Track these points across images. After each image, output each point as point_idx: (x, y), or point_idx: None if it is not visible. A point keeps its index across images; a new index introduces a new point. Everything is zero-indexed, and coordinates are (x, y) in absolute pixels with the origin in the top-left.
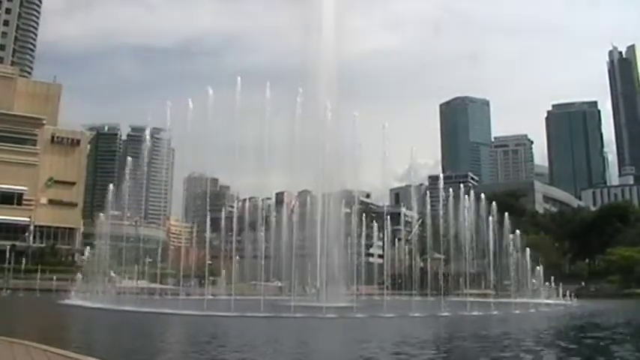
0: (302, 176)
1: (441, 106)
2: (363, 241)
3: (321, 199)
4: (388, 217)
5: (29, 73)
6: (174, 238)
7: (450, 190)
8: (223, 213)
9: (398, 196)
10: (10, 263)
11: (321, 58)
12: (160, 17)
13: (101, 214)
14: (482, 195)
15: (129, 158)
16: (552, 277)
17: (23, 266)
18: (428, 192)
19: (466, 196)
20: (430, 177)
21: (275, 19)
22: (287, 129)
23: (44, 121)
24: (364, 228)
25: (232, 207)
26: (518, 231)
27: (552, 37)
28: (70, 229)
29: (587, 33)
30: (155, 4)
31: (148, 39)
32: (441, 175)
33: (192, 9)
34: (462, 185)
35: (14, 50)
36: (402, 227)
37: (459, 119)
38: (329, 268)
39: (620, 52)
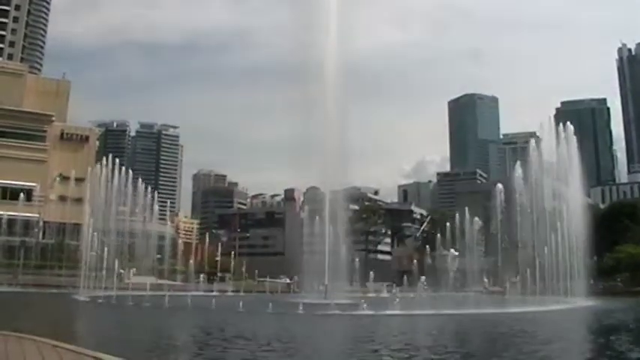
0: (310, 173)
1: (449, 103)
2: (372, 238)
3: (329, 196)
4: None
5: (39, 69)
6: (182, 234)
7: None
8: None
9: (406, 192)
10: (19, 259)
11: (327, 55)
12: (167, 14)
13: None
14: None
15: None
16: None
17: (33, 262)
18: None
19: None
20: (439, 174)
21: (280, 15)
22: (294, 126)
23: (53, 118)
24: (372, 225)
25: (242, 203)
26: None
27: (560, 33)
28: (78, 225)
29: (595, 30)
30: (162, 1)
31: (155, 36)
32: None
33: (198, 6)
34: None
35: (24, 47)
36: (410, 224)
37: (468, 116)
38: (337, 264)
39: (630, 49)
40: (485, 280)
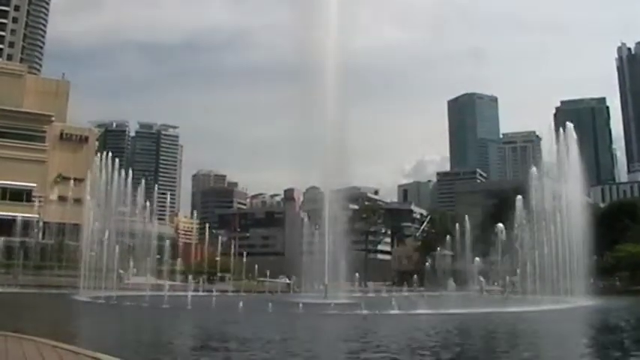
0: (310, 173)
1: (448, 102)
2: (372, 238)
3: (329, 195)
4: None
5: (38, 70)
6: (182, 234)
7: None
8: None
9: (406, 192)
10: (19, 259)
11: (326, 54)
12: (167, 14)
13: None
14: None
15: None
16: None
17: (32, 263)
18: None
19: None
20: (438, 173)
21: (280, 14)
22: (294, 126)
23: (53, 118)
24: (372, 224)
25: (242, 203)
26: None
27: (560, 33)
28: (78, 225)
29: (595, 29)
30: (162, 1)
31: (155, 36)
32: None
33: (198, 5)
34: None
35: (23, 47)
36: (410, 223)
37: (467, 116)
38: (337, 264)
39: (629, 49)
40: (482, 279)
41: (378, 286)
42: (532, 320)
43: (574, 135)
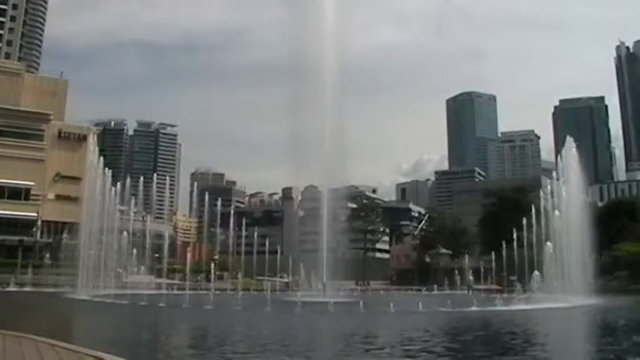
0: (308, 172)
1: (447, 101)
2: (370, 237)
3: (327, 194)
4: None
5: (36, 68)
6: (181, 233)
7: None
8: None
9: (404, 191)
10: (17, 258)
11: (325, 54)
12: (165, 13)
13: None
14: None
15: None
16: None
17: (31, 261)
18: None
19: None
20: (437, 172)
21: (279, 14)
22: (292, 124)
23: (51, 117)
24: (371, 223)
25: (240, 202)
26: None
27: (559, 32)
28: (77, 224)
29: (593, 28)
30: (160, 0)
31: (153, 35)
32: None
33: (196, 5)
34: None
35: (21, 46)
36: (409, 222)
37: (466, 114)
38: (335, 263)
39: (628, 47)
40: (471, 278)
41: (375, 285)
42: (530, 319)
43: (573, 144)
